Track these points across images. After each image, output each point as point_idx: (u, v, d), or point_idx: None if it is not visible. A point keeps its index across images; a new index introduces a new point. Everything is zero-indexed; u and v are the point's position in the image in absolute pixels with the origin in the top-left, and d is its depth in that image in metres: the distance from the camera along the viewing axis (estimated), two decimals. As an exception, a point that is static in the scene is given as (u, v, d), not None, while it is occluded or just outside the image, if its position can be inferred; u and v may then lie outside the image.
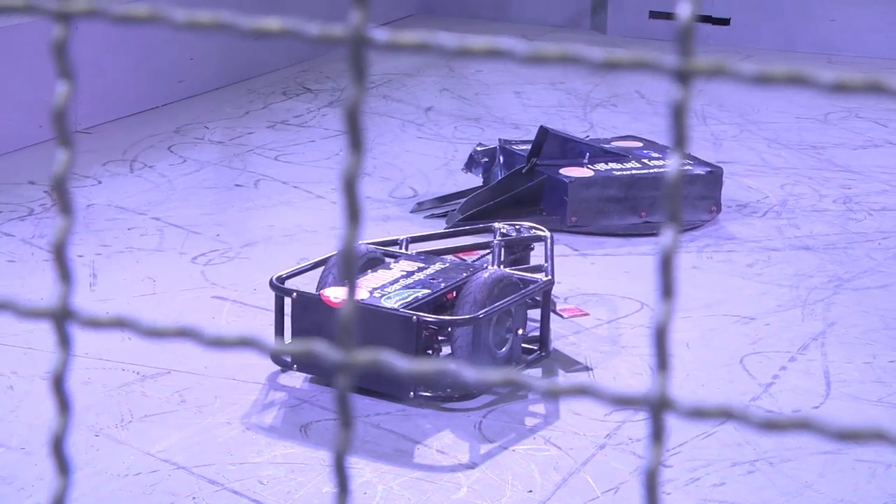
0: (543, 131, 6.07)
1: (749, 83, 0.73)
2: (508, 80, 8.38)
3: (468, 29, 9.66)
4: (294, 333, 4.34)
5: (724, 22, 9.63)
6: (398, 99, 7.96)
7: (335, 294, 4.26)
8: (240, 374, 4.41)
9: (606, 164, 6.05)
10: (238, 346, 0.74)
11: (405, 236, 4.96)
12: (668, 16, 9.64)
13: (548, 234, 4.94)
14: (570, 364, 4.58)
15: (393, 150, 6.92)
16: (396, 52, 0.72)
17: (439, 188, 6.35)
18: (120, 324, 0.74)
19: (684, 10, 0.74)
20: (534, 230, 5.00)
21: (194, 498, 3.72)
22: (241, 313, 4.91)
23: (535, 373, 4.53)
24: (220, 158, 6.76)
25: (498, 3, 10.32)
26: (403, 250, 4.82)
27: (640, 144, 6.42)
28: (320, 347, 0.74)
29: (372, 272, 4.52)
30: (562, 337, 4.73)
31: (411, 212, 6.07)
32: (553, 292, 4.59)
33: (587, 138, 6.63)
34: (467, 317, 4.23)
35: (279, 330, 4.42)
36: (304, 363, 4.36)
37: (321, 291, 4.36)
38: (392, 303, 4.27)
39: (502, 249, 4.84)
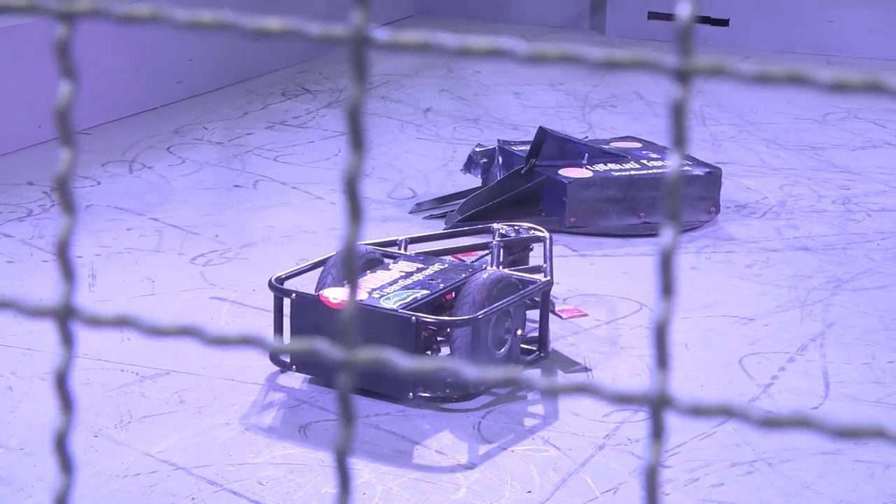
0: (542, 132, 6.07)
1: (749, 83, 0.74)
2: (507, 81, 8.39)
3: (467, 30, 9.66)
4: (293, 334, 4.34)
5: (724, 23, 9.63)
6: (397, 100, 7.96)
7: (334, 295, 4.26)
8: (239, 375, 4.42)
9: (605, 164, 6.05)
10: (240, 344, 0.75)
11: (404, 237, 4.96)
12: (667, 17, 9.64)
13: (547, 234, 4.94)
14: (569, 365, 4.58)
15: (392, 151, 6.93)
16: (397, 52, 0.72)
17: (438, 189, 6.35)
18: (122, 322, 0.74)
19: (684, 10, 0.75)
20: (533, 231, 5.00)
21: (193, 498, 3.72)
22: (240, 314, 4.91)
23: (534, 373, 4.53)
24: (219, 159, 6.76)
25: (497, 4, 10.33)
26: (402, 251, 4.82)
27: (639, 145, 6.42)
28: (322, 346, 0.74)
29: (371, 273, 4.52)
30: (561, 338, 4.74)
31: (410, 212, 6.07)
32: (552, 293, 4.60)
33: (586, 139, 6.64)
34: (466, 317, 4.23)
35: (278, 330, 4.42)
36: (303, 364, 4.36)
37: (320, 292, 4.36)
38: (391, 303, 4.28)
39: (501, 250, 4.84)
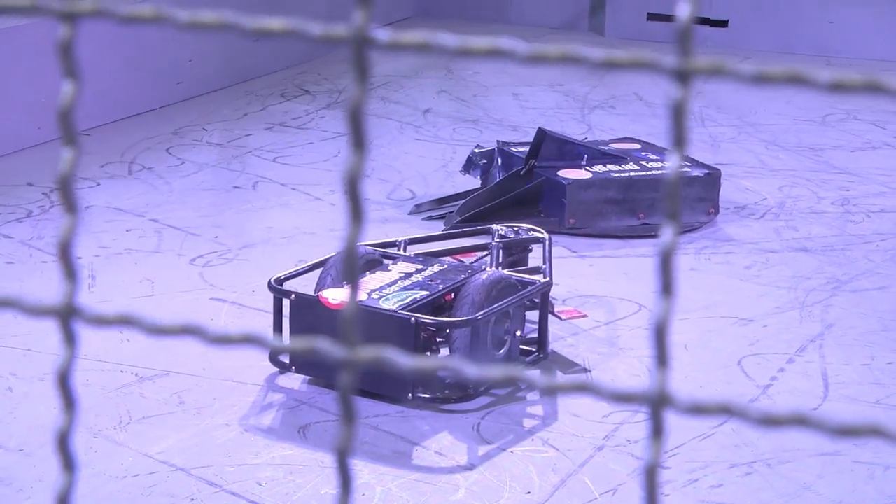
0: (542, 133, 6.08)
1: (748, 83, 0.74)
2: (507, 82, 8.39)
3: (466, 30, 9.66)
4: (292, 335, 4.34)
5: (723, 24, 9.64)
6: (396, 101, 7.96)
7: (333, 296, 4.27)
8: (238, 376, 4.42)
9: (605, 165, 6.06)
10: (242, 343, 0.75)
11: (403, 238, 4.96)
12: (667, 18, 9.64)
13: (546, 235, 4.94)
14: (569, 366, 4.59)
15: (391, 152, 6.93)
16: (398, 53, 0.72)
17: (437, 190, 6.35)
18: (125, 321, 0.74)
19: (683, 11, 0.75)
20: (532, 232, 5.01)
21: (193, 499, 3.72)
22: (240, 315, 4.91)
23: (534, 373, 4.53)
24: (219, 160, 6.76)
25: (496, 5, 10.33)
26: (402, 252, 4.82)
27: (639, 146, 6.43)
28: (323, 345, 0.74)
29: (370, 274, 4.52)
30: (560, 339, 4.74)
31: (409, 213, 6.07)
32: (551, 294, 4.60)
33: (585, 140, 6.64)
34: (465, 318, 4.23)
35: (277, 331, 4.42)
36: (303, 364, 4.36)
37: (319, 293, 4.36)
38: (390, 304, 4.28)
39: (500, 251, 4.84)
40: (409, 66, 8.70)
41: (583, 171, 6.00)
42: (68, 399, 0.74)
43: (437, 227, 5.78)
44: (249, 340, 0.75)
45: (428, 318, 4.26)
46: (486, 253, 4.92)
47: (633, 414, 4.20)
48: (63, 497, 0.72)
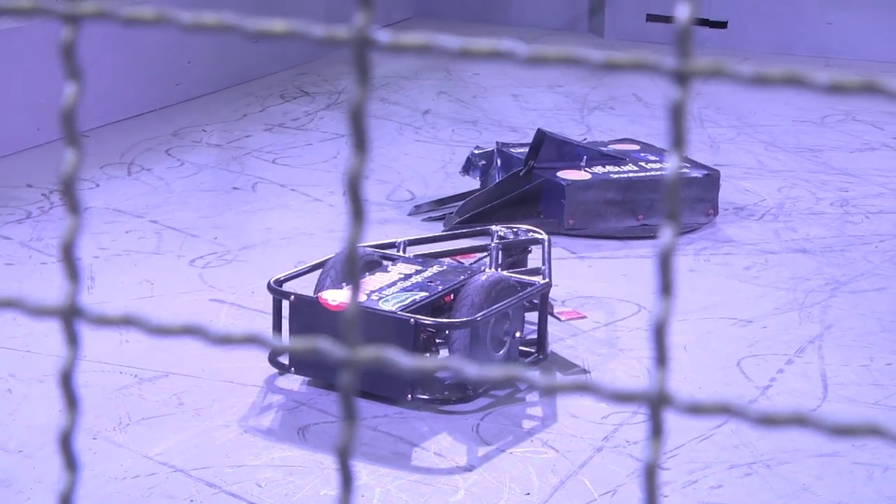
0: (541, 134, 6.08)
1: (746, 84, 0.74)
2: (506, 83, 8.39)
3: (465, 31, 9.67)
4: (291, 336, 4.35)
5: (722, 25, 9.64)
6: (396, 102, 7.97)
7: (333, 297, 4.27)
8: (237, 377, 4.42)
9: (604, 166, 6.06)
10: (244, 343, 0.75)
11: (403, 239, 4.97)
12: (666, 19, 9.65)
13: (545, 236, 4.94)
14: (568, 367, 4.59)
15: (390, 153, 6.93)
16: (399, 54, 0.72)
17: (437, 191, 6.35)
18: (127, 322, 0.74)
19: (682, 12, 0.75)
20: (531, 233, 5.01)
21: (192, 501, 3.72)
22: (239, 316, 4.91)
23: (534, 373, 4.53)
24: (218, 161, 6.77)
25: (495, 7, 10.33)
26: (401, 253, 4.82)
27: (638, 147, 6.43)
28: (325, 345, 0.75)
29: (369, 275, 4.53)
30: (559, 340, 4.74)
31: (409, 214, 6.07)
32: (550, 295, 4.60)
33: (584, 141, 6.64)
34: (465, 319, 4.23)
35: (277, 332, 4.42)
36: (302, 365, 4.36)
37: (319, 294, 4.36)
38: (390, 305, 4.28)
39: (500, 252, 4.84)
40: (408, 67, 8.70)
41: (582, 172, 6.00)
42: (71, 399, 0.75)
43: (437, 229, 5.78)
44: (251, 341, 0.76)
45: (427, 320, 4.26)
46: (485, 254, 4.92)
47: (632, 415, 4.21)
48: (66, 497, 0.73)
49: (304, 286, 4.53)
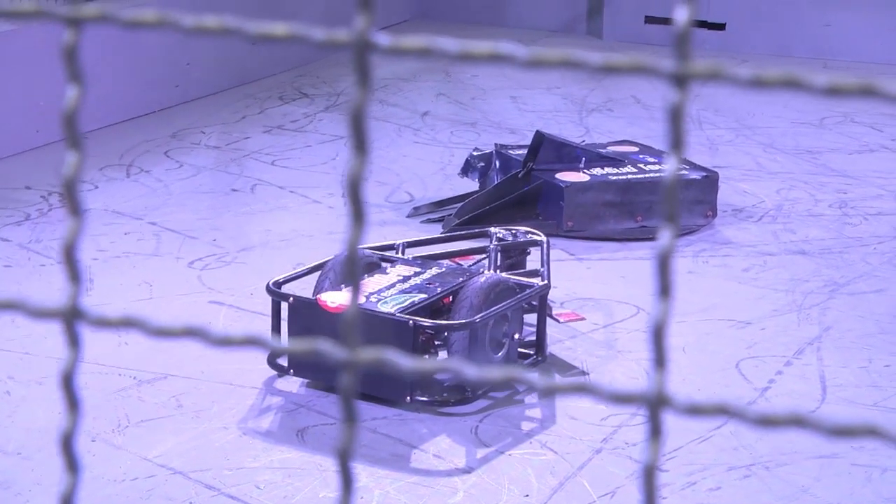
0: (540, 136, 6.08)
1: (744, 86, 0.74)
2: (505, 85, 8.40)
3: (464, 34, 9.67)
4: (290, 338, 4.35)
5: (721, 27, 9.65)
6: (394, 104, 7.97)
7: (332, 299, 4.27)
8: (236, 379, 4.42)
9: (602, 168, 6.06)
10: (244, 344, 0.75)
11: (402, 241, 4.97)
12: (664, 21, 9.65)
13: (544, 238, 4.95)
14: (567, 368, 4.59)
15: (389, 155, 6.93)
16: (400, 57, 0.73)
17: (436, 193, 6.36)
18: (128, 323, 0.75)
19: (681, 15, 0.75)
20: (530, 235, 5.01)
21: (191, 503, 3.72)
22: (238, 318, 4.91)
23: (533, 374, 4.53)
24: (217, 163, 6.77)
25: (493, 9, 10.34)
26: (400, 255, 4.83)
27: (636, 149, 6.43)
28: (325, 346, 0.75)
29: (368, 277, 4.53)
30: (558, 341, 4.74)
31: (408, 216, 6.08)
32: (549, 297, 4.60)
33: (583, 143, 6.65)
34: (464, 321, 4.24)
35: (276, 334, 4.42)
36: (301, 367, 4.36)
37: (318, 296, 4.36)
38: (389, 307, 4.28)
39: (499, 254, 4.85)
40: (407, 69, 8.71)
41: (581, 173, 6.00)
42: (72, 401, 0.75)
43: (436, 230, 5.78)
44: (251, 342, 0.76)
45: (426, 321, 4.26)
46: (484, 256, 4.92)
47: (631, 417, 4.21)
48: (67, 498, 0.73)
49: (302, 288, 4.53)
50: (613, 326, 4.92)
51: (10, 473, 3.84)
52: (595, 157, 6.19)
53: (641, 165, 6.14)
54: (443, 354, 4.36)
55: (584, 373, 4.58)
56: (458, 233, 5.43)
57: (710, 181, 6.06)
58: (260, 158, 6.86)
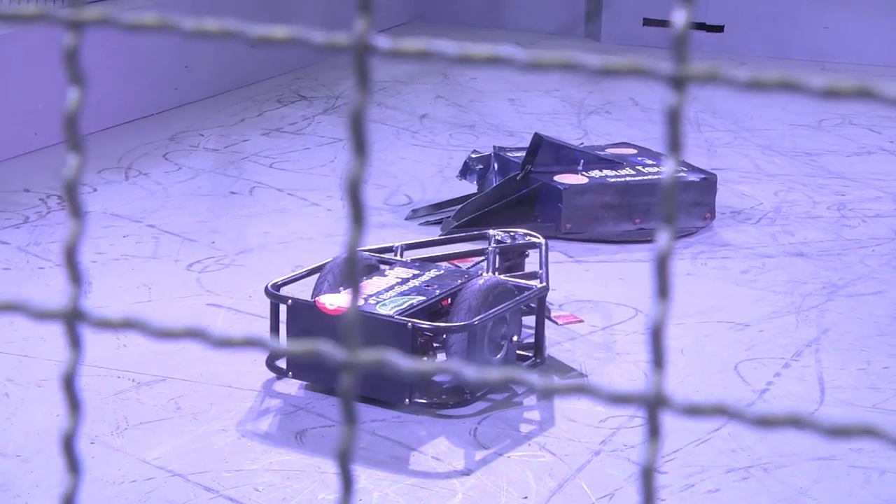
0: (538, 138, 6.09)
1: (742, 88, 0.75)
2: (503, 88, 8.40)
3: (462, 37, 9.67)
4: (288, 340, 4.35)
5: (718, 29, 9.65)
6: (393, 106, 7.97)
7: (330, 301, 4.27)
8: (235, 382, 4.42)
9: (601, 171, 6.07)
10: (244, 346, 0.76)
11: (400, 243, 4.97)
12: (662, 23, 9.66)
13: (542, 240, 4.95)
14: (565, 371, 4.59)
15: (388, 158, 6.94)
16: (399, 59, 0.73)
17: (434, 195, 6.36)
18: (129, 325, 0.75)
19: (679, 17, 0.76)
20: (528, 237, 5.02)
21: (191, 504, 3.73)
22: (237, 320, 4.91)
23: (532, 375, 4.54)
24: (215, 166, 6.77)
25: (491, 11, 10.34)
26: (398, 257, 4.83)
27: (635, 151, 6.43)
28: (325, 347, 0.75)
29: (367, 279, 4.53)
30: (556, 344, 4.75)
31: (406, 219, 6.08)
32: (548, 299, 4.61)
33: (581, 145, 6.65)
34: (462, 323, 4.24)
35: (274, 337, 4.43)
36: (300, 370, 4.36)
37: (316, 298, 4.37)
38: (387, 309, 4.28)
39: (497, 256, 4.85)
40: (405, 71, 8.71)
41: (579, 176, 6.01)
42: (73, 402, 0.75)
43: (434, 233, 5.78)
44: (252, 343, 0.76)
45: (425, 323, 4.26)
46: (482, 258, 4.93)
47: (629, 419, 4.21)
48: (68, 499, 0.73)
49: (301, 290, 4.53)
50: (612, 329, 4.92)
51: (9, 476, 3.84)
52: (593, 159, 6.19)
53: (640, 168, 6.14)
54: (441, 356, 4.37)
55: (582, 375, 4.58)
56: (456, 235, 5.43)
57: (708, 183, 6.06)
58: (258, 161, 6.86)
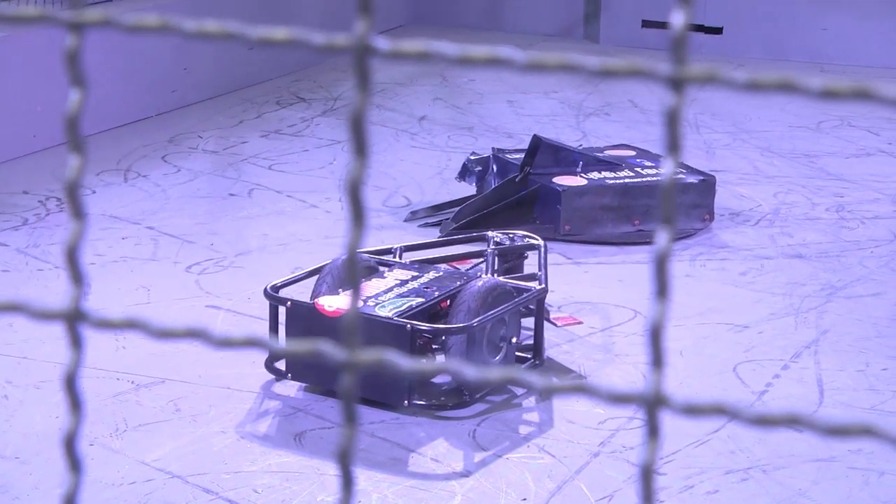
0: (537, 140, 6.09)
1: (740, 90, 0.75)
2: (502, 90, 8.41)
3: (460, 38, 9.68)
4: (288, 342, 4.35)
5: (717, 31, 9.66)
6: (391, 108, 7.98)
7: (329, 303, 4.28)
8: (234, 383, 4.42)
9: (600, 172, 6.07)
10: (245, 346, 0.76)
11: (399, 245, 4.98)
12: (661, 25, 9.66)
13: (541, 242, 4.95)
14: (564, 372, 4.60)
15: (386, 160, 6.94)
16: (398, 61, 0.73)
17: (433, 197, 6.36)
18: (130, 325, 0.75)
19: (678, 19, 0.76)
20: (527, 239, 5.02)
21: (190, 506, 3.73)
22: (236, 322, 4.92)
23: (531, 376, 4.54)
24: (214, 168, 6.77)
25: (490, 13, 10.34)
26: (397, 259, 4.83)
27: (633, 153, 6.44)
28: (326, 347, 0.75)
29: (366, 281, 4.53)
30: (555, 345, 4.75)
31: (405, 220, 6.08)
32: (547, 301, 4.61)
33: (580, 147, 6.65)
34: (461, 325, 4.24)
35: (273, 338, 4.43)
36: (299, 371, 4.37)
37: (315, 300, 4.37)
38: (386, 311, 4.29)
39: (496, 258, 4.85)
40: (404, 73, 8.71)
41: (578, 177, 6.01)
42: (75, 402, 0.76)
43: (433, 234, 5.79)
44: (252, 343, 0.76)
45: (424, 325, 4.27)
46: (481, 260, 4.93)
47: (628, 420, 4.21)
48: (70, 499, 0.73)
49: (300, 292, 4.53)
50: (611, 330, 4.93)
51: (8, 477, 3.85)
52: (592, 160, 6.19)
53: (638, 169, 6.14)
54: (441, 358, 4.37)
55: (581, 376, 4.58)
56: (455, 237, 5.43)
57: (707, 185, 6.07)
58: (257, 163, 6.86)
